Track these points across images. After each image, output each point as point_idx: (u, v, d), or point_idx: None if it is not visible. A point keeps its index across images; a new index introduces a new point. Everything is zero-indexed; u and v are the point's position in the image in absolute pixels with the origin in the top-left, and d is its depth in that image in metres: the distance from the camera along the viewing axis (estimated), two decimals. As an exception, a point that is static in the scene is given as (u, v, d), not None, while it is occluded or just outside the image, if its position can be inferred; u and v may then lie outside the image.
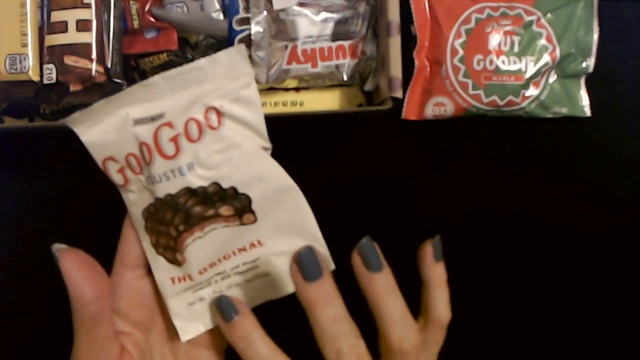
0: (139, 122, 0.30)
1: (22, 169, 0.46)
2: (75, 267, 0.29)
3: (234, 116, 0.30)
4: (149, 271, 0.34)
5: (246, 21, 0.43)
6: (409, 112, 0.47)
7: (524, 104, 0.47)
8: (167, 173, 0.30)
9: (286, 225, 0.32)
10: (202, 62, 0.29)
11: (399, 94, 0.40)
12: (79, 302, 0.29)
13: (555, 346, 0.48)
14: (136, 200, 0.32)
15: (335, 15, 0.44)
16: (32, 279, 0.47)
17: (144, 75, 0.44)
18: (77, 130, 0.31)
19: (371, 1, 0.44)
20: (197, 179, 0.30)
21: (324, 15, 0.44)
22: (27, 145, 0.46)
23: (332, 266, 0.33)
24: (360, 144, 0.48)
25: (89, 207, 0.47)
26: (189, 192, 0.30)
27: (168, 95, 0.30)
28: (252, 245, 0.33)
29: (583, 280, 0.48)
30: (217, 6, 0.43)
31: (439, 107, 0.47)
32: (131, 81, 0.44)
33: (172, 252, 0.32)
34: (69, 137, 0.46)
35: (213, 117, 0.30)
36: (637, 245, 0.48)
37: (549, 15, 0.46)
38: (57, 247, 0.30)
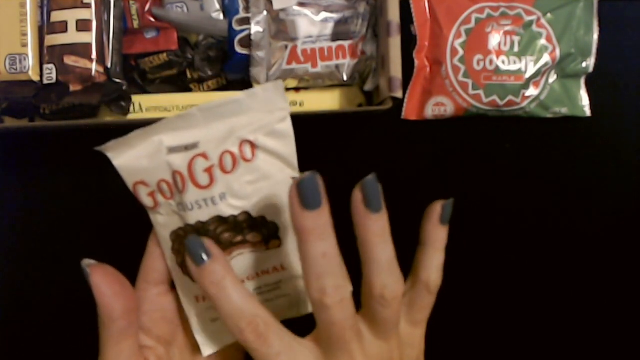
0: (173, 150, 0.30)
1: (22, 169, 0.46)
2: (105, 282, 0.30)
3: (268, 149, 0.31)
4: (171, 288, 0.34)
5: (246, 21, 0.43)
6: (409, 112, 0.47)
7: (524, 104, 0.47)
8: (200, 202, 0.30)
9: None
10: (240, 95, 0.30)
11: (399, 94, 0.40)
12: (109, 317, 0.30)
13: (555, 346, 0.48)
14: (165, 222, 0.32)
15: (335, 15, 0.44)
16: (32, 279, 0.47)
17: (144, 75, 0.44)
18: (110, 154, 0.31)
19: (371, 1, 0.44)
20: (228, 208, 0.31)
21: (324, 15, 0.44)
22: (27, 145, 0.46)
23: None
24: (360, 144, 0.48)
25: (89, 207, 0.47)
26: (220, 220, 0.31)
27: (203, 125, 0.30)
28: (275, 269, 0.33)
29: (583, 280, 0.48)
30: (217, 6, 0.43)
31: (439, 107, 0.47)
32: (131, 81, 0.44)
33: None
34: (69, 137, 0.46)
35: (247, 149, 0.30)
36: (637, 245, 0.48)
37: (549, 15, 0.46)
38: (87, 263, 0.31)
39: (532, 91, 0.47)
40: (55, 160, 0.47)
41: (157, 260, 0.33)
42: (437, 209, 0.32)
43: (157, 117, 0.42)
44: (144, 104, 0.42)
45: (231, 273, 0.30)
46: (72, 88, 0.40)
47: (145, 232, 0.46)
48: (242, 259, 0.32)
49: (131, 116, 0.42)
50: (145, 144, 0.31)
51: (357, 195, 0.29)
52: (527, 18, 0.46)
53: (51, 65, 0.40)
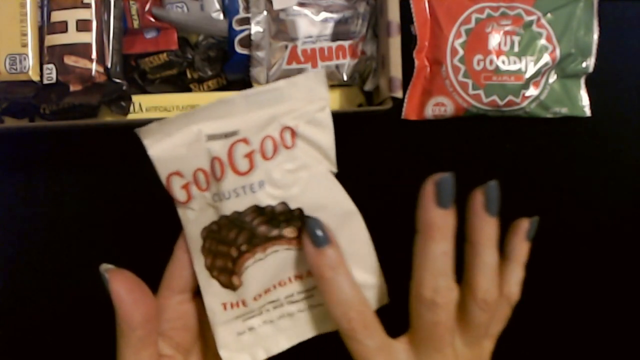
0: (212, 138, 0.30)
1: (22, 169, 0.46)
2: (125, 289, 0.29)
3: (307, 138, 0.30)
4: (195, 295, 0.33)
5: (246, 21, 0.43)
6: (409, 112, 0.47)
7: (524, 104, 0.47)
8: (238, 189, 0.30)
9: (346, 252, 0.31)
10: (281, 83, 0.30)
11: (399, 94, 0.40)
12: (128, 325, 0.29)
13: (554, 346, 0.48)
14: (196, 218, 0.31)
15: (335, 15, 0.44)
16: (32, 279, 0.47)
17: (144, 75, 0.44)
18: (146, 142, 0.30)
19: (371, 1, 0.44)
20: (266, 197, 0.30)
21: (324, 15, 0.44)
22: (27, 145, 0.46)
23: (387, 300, 0.32)
24: (360, 144, 0.48)
25: (89, 207, 0.47)
26: (257, 210, 0.30)
27: (243, 113, 0.30)
28: (309, 273, 0.32)
29: (583, 280, 0.48)
30: (217, 6, 0.43)
31: (439, 107, 0.47)
32: (131, 81, 0.44)
33: (229, 275, 0.31)
34: (69, 137, 0.46)
35: (288, 136, 0.30)
36: (637, 245, 0.48)
37: (549, 15, 0.46)
38: (106, 268, 0.30)
39: (532, 91, 0.47)
40: (55, 160, 0.47)
41: (184, 267, 0.32)
42: (524, 224, 0.32)
43: (157, 117, 0.42)
44: (144, 104, 0.42)
45: (345, 261, 0.30)
46: (72, 88, 0.40)
47: (146, 232, 0.46)
48: (276, 258, 0.31)
49: (131, 116, 0.42)
50: (184, 132, 0.30)
51: (478, 197, 0.30)
52: (527, 18, 0.46)
53: (51, 65, 0.40)
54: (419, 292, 0.30)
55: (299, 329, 0.33)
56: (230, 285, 0.31)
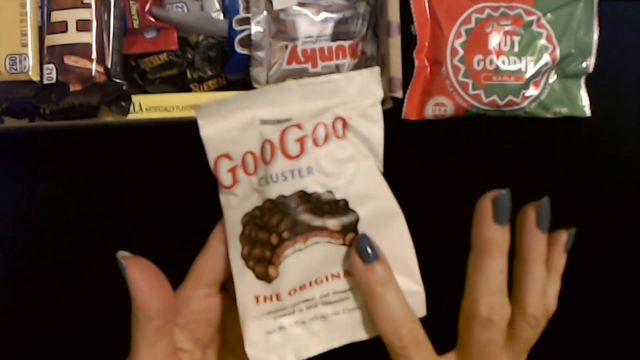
0: (265, 122, 0.30)
1: (22, 169, 0.46)
2: (142, 277, 0.28)
3: (358, 131, 0.31)
4: (221, 288, 0.32)
5: (246, 21, 0.43)
6: (409, 112, 0.47)
7: (524, 104, 0.47)
8: (286, 173, 0.30)
9: (386, 255, 0.31)
10: (337, 77, 0.30)
11: (399, 94, 0.40)
12: (145, 315, 0.28)
13: (554, 346, 0.48)
14: (238, 204, 0.31)
15: (335, 15, 0.44)
16: (32, 279, 0.47)
17: (144, 75, 0.44)
18: (201, 122, 0.30)
19: (371, 1, 0.44)
20: (313, 184, 0.30)
21: (324, 15, 0.44)
22: (27, 145, 0.46)
23: (424, 312, 0.32)
24: (360, 144, 0.48)
25: (89, 207, 0.47)
26: (303, 196, 0.30)
27: (298, 102, 0.30)
28: (347, 273, 0.31)
29: (583, 280, 0.48)
30: (217, 6, 0.43)
31: (439, 107, 0.47)
32: (131, 81, 0.44)
33: (265, 265, 0.31)
34: (69, 137, 0.46)
35: (339, 126, 0.30)
36: (637, 245, 0.48)
37: (549, 15, 0.46)
38: (122, 255, 0.29)
39: (532, 91, 0.47)
40: (55, 160, 0.47)
41: (219, 259, 0.31)
42: (563, 237, 0.32)
43: (157, 117, 0.42)
44: (144, 104, 0.42)
45: (394, 278, 0.30)
46: (72, 88, 0.40)
47: (146, 232, 0.46)
48: (317, 250, 0.31)
49: (131, 116, 0.42)
50: (238, 116, 0.30)
51: (530, 214, 0.30)
52: (527, 18, 0.46)
53: (51, 65, 0.40)
54: (475, 309, 0.30)
55: (332, 333, 0.32)
56: (265, 277, 0.31)
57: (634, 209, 0.48)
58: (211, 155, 0.31)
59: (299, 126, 0.30)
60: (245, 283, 0.31)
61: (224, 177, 0.31)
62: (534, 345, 0.32)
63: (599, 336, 0.48)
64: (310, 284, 0.31)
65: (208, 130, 0.30)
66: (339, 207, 0.30)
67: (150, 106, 0.42)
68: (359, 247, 0.30)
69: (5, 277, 0.46)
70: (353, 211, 0.31)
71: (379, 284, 0.29)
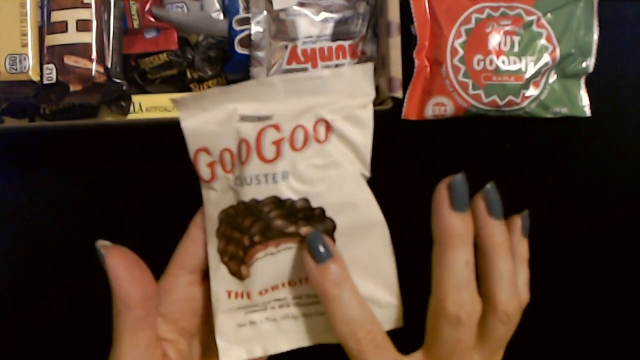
0: (245, 119, 0.29)
1: (22, 169, 0.46)
2: (122, 266, 0.27)
3: (343, 134, 0.29)
4: (205, 277, 0.32)
5: (246, 21, 0.43)
6: (409, 112, 0.47)
7: (524, 104, 0.47)
8: (260, 177, 0.28)
9: (363, 264, 0.30)
10: (325, 73, 0.28)
11: (399, 94, 0.40)
12: (125, 304, 0.27)
13: (554, 346, 0.48)
14: (216, 199, 0.30)
15: (335, 15, 0.44)
16: (32, 279, 0.47)
17: (144, 75, 0.44)
18: (181, 114, 0.29)
19: (371, 1, 0.44)
20: (288, 190, 0.29)
21: (324, 15, 0.44)
22: (27, 145, 0.46)
23: (401, 324, 0.30)
24: (360, 144, 0.48)
25: (89, 207, 0.47)
26: (276, 202, 0.29)
27: (281, 99, 0.28)
28: None
29: (583, 280, 0.48)
30: (217, 6, 0.43)
31: (439, 107, 0.47)
32: (131, 81, 0.44)
33: (238, 263, 0.30)
34: (69, 137, 0.46)
35: (322, 130, 0.29)
36: (637, 245, 0.48)
37: (549, 15, 0.46)
38: (102, 244, 0.28)
39: (532, 91, 0.47)
40: (55, 160, 0.47)
41: (199, 245, 0.30)
42: (517, 222, 0.30)
43: (157, 117, 0.42)
44: (144, 104, 0.42)
45: (350, 277, 0.28)
46: (72, 88, 0.40)
47: (146, 232, 0.46)
48: (288, 256, 0.30)
49: (131, 116, 0.42)
50: (219, 109, 0.29)
51: (480, 203, 0.28)
52: (527, 18, 0.46)
53: (51, 65, 0.40)
54: (442, 306, 0.27)
55: (302, 334, 0.31)
56: (238, 274, 0.30)
57: (634, 209, 0.48)
58: (191, 148, 0.30)
59: (276, 127, 0.28)
60: (219, 277, 0.31)
61: (203, 171, 0.30)
62: (534, 346, 0.31)
63: (599, 336, 0.48)
64: (283, 284, 0.31)
65: (188, 123, 0.29)
66: (314, 215, 0.29)
67: (150, 106, 0.43)
68: (311, 246, 0.28)
69: (5, 277, 0.46)
70: (330, 219, 0.29)
71: (333, 284, 0.28)
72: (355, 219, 0.29)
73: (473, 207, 0.28)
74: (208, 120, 0.29)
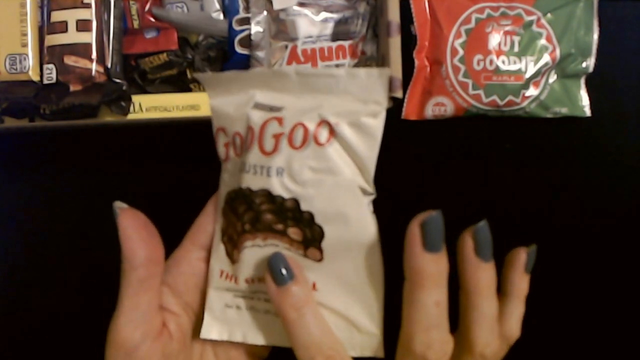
0: (257, 106, 0.28)
1: (22, 169, 0.46)
2: (132, 226, 0.28)
3: (346, 141, 0.27)
4: None
5: (246, 21, 0.43)
6: (409, 112, 0.47)
7: (524, 104, 0.47)
8: (257, 167, 0.28)
9: (349, 283, 0.29)
10: (340, 72, 0.27)
11: (399, 94, 0.40)
12: (130, 263, 0.28)
13: (555, 346, 0.48)
14: (227, 180, 0.30)
15: (335, 15, 0.44)
16: (32, 280, 0.47)
17: (144, 75, 0.44)
18: (210, 92, 0.30)
19: (371, 1, 0.44)
20: (280, 187, 0.28)
21: (324, 15, 0.44)
22: (27, 145, 0.46)
23: (381, 354, 0.29)
24: (360, 144, 0.48)
25: (90, 207, 0.47)
26: (268, 195, 0.28)
27: (296, 92, 0.28)
28: None
29: (583, 280, 0.48)
30: (217, 6, 0.43)
31: (439, 107, 0.47)
32: (131, 81, 0.44)
33: (232, 246, 0.30)
34: (69, 137, 0.46)
35: (324, 132, 0.27)
36: (637, 245, 0.48)
37: (549, 15, 0.46)
38: (119, 205, 0.29)
39: (532, 91, 0.47)
40: (55, 160, 0.47)
41: (210, 221, 0.31)
42: (522, 257, 0.29)
43: (157, 117, 0.42)
44: (144, 104, 0.42)
45: (312, 299, 0.28)
46: (72, 88, 0.40)
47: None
48: (272, 251, 0.29)
49: (131, 116, 0.42)
50: (241, 93, 0.29)
51: (467, 242, 0.27)
52: (527, 18, 0.46)
53: (51, 65, 0.40)
54: (410, 346, 0.27)
55: (280, 335, 0.31)
56: (231, 256, 0.30)
57: (634, 209, 0.48)
58: (214, 125, 0.30)
59: (280, 121, 0.28)
60: (218, 254, 0.31)
61: (221, 150, 0.30)
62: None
63: (599, 336, 0.48)
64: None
65: (215, 101, 0.30)
66: (302, 218, 0.28)
67: (150, 106, 0.43)
68: (272, 268, 0.28)
69: (5, 277, 0.46)
70: (319, 226, 0.28)
71: (292, 307, 0.27)
72: (345, 233, 0.28)
73: (460, 244, 0.28)
74: (229, 102, 0.29)
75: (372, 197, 0.29)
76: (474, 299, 0.27)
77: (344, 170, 0.28)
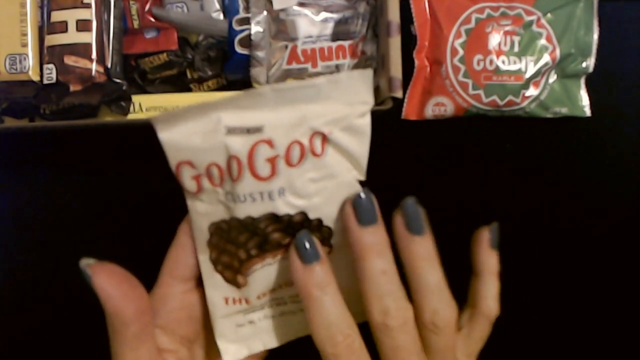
0: (232, 131, 0.26)
1: (22, 169, 0.46)
2: (111, 284, 0.27)
3: (340, 146, 0.28)
4: (199, 283, 0.31)
5: (246, 21, 0.43)
6: (409, 112, 0.47)
7: (524, 104, 0.47)
8: (255, 195, 0.27)
9: (351, 273, 0.29)
10: (320, 80, 0.26)
11: (399, 94, 0.40)
12: (120, 321, 0.27)
13: (555, 346, 0.48)
14: (205, 211, 0.29)
15: (335, 15, 0.44)
16: (31, 280, 0.47)
17: (144, 75, 0.44)
18: (158, 125, 0.27)
19: (371, 1, 0.44)
20: (285, 206, 0.28)
21: (324, 15, 0.44)
22: (27, 145, 0.46)
23: None
24: (360, 144, 0.47)
25: (89, 207, 0.47)
26: (273, 217, 0.28)
27: (271, 108, 0.26)
28: None
29: (583, 280, 0.48)
30: (217, 6, 0.43)
31: (439, 107, 0.47)
32: (131, 81, 0.44)
33: (233, 273, 0.30)
34: (69, 137, 0.46)
35: (318, 143, 0.27)
36: (637, 245, 0.48)
37: (549, 15, 0.46)
38: (87, 263, 0.28)
39: (532, 91, 0.47)
40: (55, 160, 0.47)
41: (188, 253, 0.30)
42: (485, 235, 0.30)
43: (157, 117, 0.42)
44: (144, 104, 0.42)
45: (334, 281, 0.28)
46: (72, 88, 0.40)
47: (146, 232, 0.46)
48: (285, 263, 0.29)
49: (131, 116, 0.42)
50: (201, 119, 0.26)
51: (397, 219, 0.28)
52: (527, 18, 0.46)
53: (51, 65, 0.40)
54: (371, 320, 0.28)
55: (300, 325, 0.32)
56: (234, 282, 0.30)
57: (634, 209, 0.48)
58: (172, 161, 0.28)
59: (270, 143, 0.26)
60: (214, 285, 0.30)
61: (188, 184, 0.28)
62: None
63: (599, 336, 0.48)
64: (280, 286, 0.31)
65: (166, 134, 0.27)
66: (312, 226, 0.29)
67: (150, 106, 0.43)
68: (298, 245, 0.28)
69: (5, 277, 0.46)
70: (327, 227, 0.29)
71: (317, 286, 0.27)
72: None
73: (393, 222, 0.28)
74: (190, 131, 0.27)
75: (364, 180, 0.30)
76: (413, 271, 0.28)
77: (342, 171, 0.28)
